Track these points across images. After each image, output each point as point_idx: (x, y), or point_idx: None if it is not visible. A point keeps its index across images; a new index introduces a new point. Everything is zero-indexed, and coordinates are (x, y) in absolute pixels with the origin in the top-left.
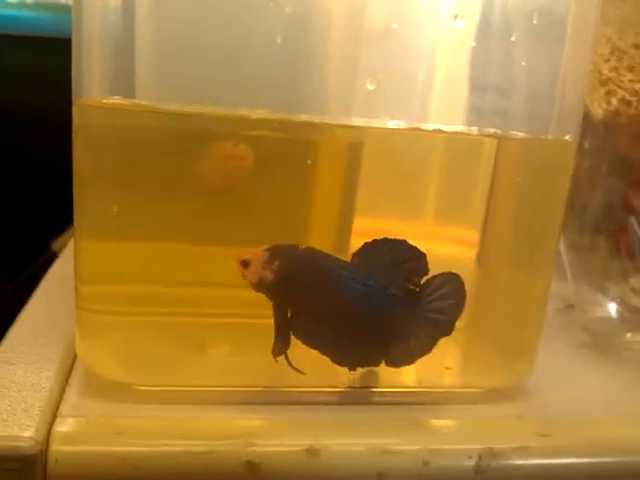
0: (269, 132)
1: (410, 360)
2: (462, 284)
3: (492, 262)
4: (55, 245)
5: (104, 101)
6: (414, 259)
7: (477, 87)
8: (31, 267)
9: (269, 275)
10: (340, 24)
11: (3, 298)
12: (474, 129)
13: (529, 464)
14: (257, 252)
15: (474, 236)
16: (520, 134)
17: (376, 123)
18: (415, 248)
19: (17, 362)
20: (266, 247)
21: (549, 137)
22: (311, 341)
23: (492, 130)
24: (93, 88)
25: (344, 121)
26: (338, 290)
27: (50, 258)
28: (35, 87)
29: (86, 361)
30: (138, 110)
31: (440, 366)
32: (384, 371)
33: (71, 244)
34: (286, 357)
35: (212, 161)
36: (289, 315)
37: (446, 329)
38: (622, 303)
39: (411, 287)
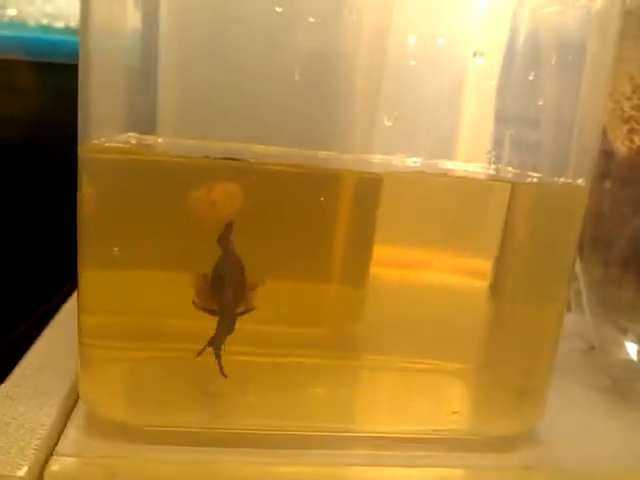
0: (289, 168)
1: None
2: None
3: (501, 302)
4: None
5: (107, 145)
6: None
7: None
8: (48, 305)
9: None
10: (363, 60)
11: (16, 338)
12: (490, 171)
13: None
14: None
15: (484, 277)
16: (533, 178)
17: (392, 161)
18: None
19: (20, 397)
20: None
21: (562, 181)
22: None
23: (507, 173)
24: (103, 125)
25: (361, 158)
26: None
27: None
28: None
29: (87, 398)
30: (144, 156)
31: (446, 410)
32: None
33: None
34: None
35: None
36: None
37: None
38: None
39: None
